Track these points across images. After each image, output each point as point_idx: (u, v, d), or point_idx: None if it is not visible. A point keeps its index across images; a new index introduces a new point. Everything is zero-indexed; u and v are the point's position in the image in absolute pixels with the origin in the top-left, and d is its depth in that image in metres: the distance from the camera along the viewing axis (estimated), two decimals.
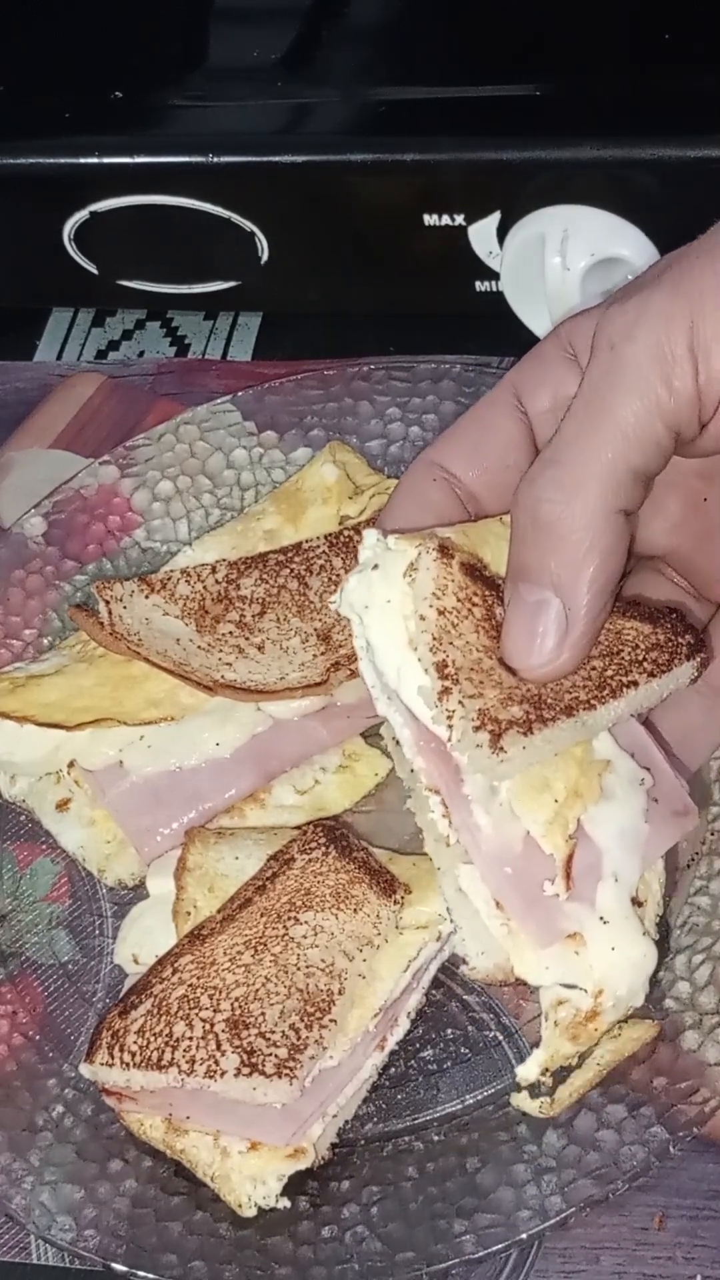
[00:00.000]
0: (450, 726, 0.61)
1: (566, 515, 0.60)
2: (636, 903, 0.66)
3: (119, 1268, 0.69)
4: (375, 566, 0.64)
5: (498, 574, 0.65)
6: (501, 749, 0.60)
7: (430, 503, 0.66)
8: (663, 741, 0.69)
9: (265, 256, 0.97)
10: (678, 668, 0.65)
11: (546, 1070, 0.68)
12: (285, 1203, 0.69)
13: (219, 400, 0.95)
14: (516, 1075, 0.69)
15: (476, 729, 0.60)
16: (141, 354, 1.05)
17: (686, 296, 0.58)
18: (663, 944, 0.76)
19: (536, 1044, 0.74)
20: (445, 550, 0.64)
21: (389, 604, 0.64)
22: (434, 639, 0.62)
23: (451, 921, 0.68)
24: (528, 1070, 0.68)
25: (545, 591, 0.61)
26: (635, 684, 0.64)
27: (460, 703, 0.61)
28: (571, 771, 0.64)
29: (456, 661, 0.62)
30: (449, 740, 0.62)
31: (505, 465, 0.66)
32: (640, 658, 0.64)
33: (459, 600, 0.63)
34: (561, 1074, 0.71)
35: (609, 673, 0.64)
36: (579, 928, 0.65)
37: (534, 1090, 0.72)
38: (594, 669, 0.63)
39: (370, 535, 0.65)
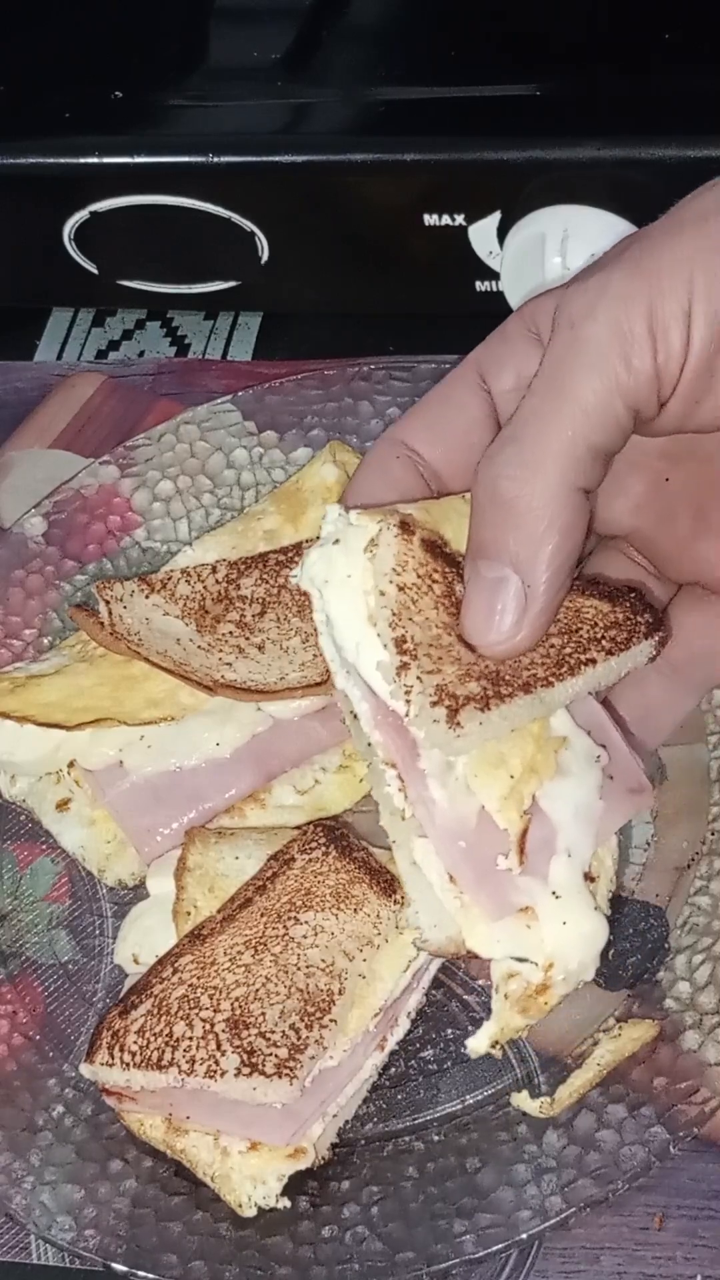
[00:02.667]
0: (408, 701, 0.61)
1: (526, 493, 0.60)
2: (589, 878, 0.66)
3: (119, 1268, 0.69)
4: (336, 541, 0.64)
5: (459, 551, 0.64)
6: (458, 724, 0.60)
7: (394, 479, 0.66)
8: (620, 719, 0.69)
9: (265, 256, 0.97)
10: (636, 646, 0.65)
11: (496, 1043, 0.67)
12: (285, 1203, 0.69)
13: (219, 400, 0.95)
14: (466, 1047, 0.68)
15: (434, 704, 0.60)
16: (141, 354, 1.05)
17: (646, 276, 0.58)
18: (662, 944, 0.76)
19: (536, 1044, 0.74)
20: (406, 527, 0.64)
21: (349, 579, 0.64)
22: (393, 614, 0.62)
23: (406, 894, 0.68)
24: (478, 1042, 0.68)
25: (504, 569, 0.61)
26: (593, 662, 0.64)
27: (418, 678, 0.61)
28: (528, 748, 0.64)
29: (415, 637, 0.62)
30: (406, 715, 0.61)
31: (468, 443, 0.65)
32: (599, 636, 0.65)
33: (419, 577, 0.63)
34: (560, 1073, 0.71)
35: (567, 650, 0.64)
36: (531, 902, 0.65)
37: (534, 1090, 0.72)
38: (552, 646, 0.64)
39: (332, 510, 0.65)
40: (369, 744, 0.66)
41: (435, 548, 0.64)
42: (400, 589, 0.63)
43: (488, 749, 0.63)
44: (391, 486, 0.66)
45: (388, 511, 0.64)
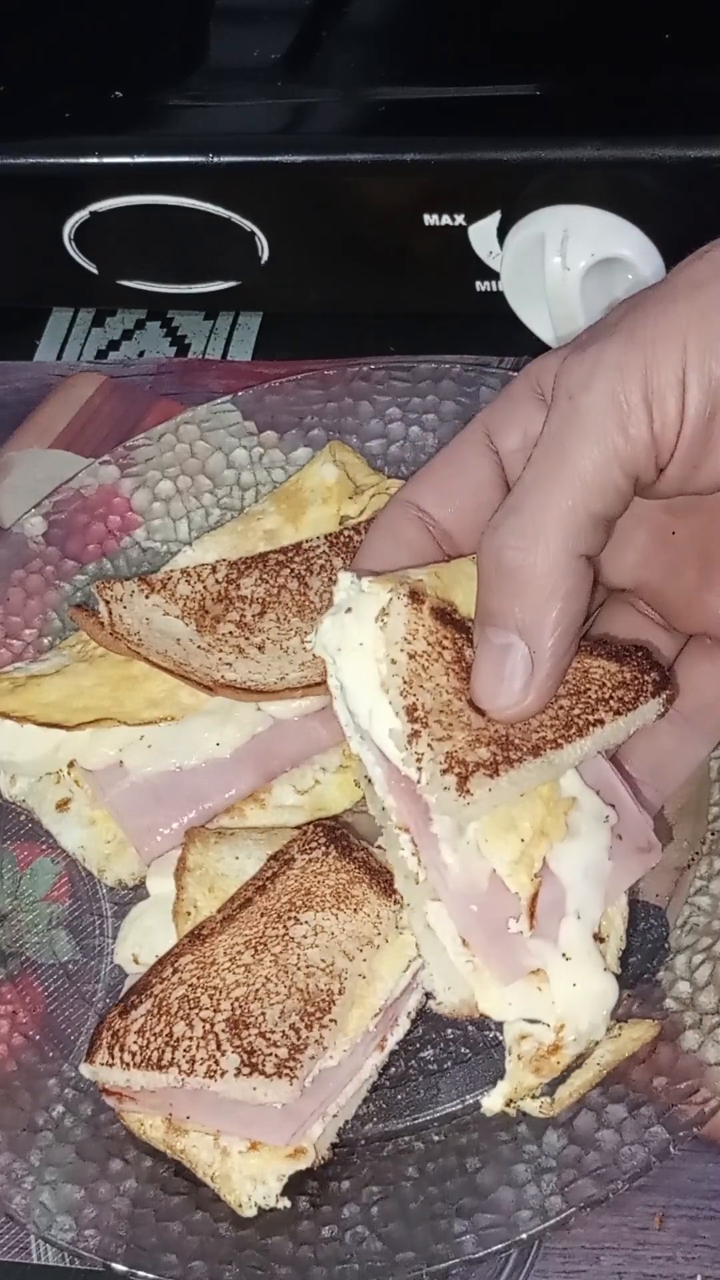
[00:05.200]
0: (419, 769, 0.62)
1: (529, 562, 0.61)
2: (599, 939, 0.67)
3: (119, 1268, 0.69)
4: (349, 610, 0.65)
5: (468, 616, 0.66)
6: (468, 791, 0.61)
7: (405, 541, 0.67)
8: (628, 776, 0.70)
9: (265, 256, 0.97)
10: (644, 705, 0.66)
11: (511, 1101, 0.68)
12: (285, 1203, 0.69)
13: (219, 400, 0.95)
14: (482, 1107, 0.69)
15: (444, 772, 0.61)
16: (141, 354, 1.05)
17: (641, 346, 0.59)
18: (662, 944, 0.76)
19: None
20: (416, 596, 0.65)
21: (361, 647, 0.65)
22: (404, 682, 0.63)
23: (420, 956, 0.69)
24: (493, 1102, 0.69)
25: (511, 635, 0.62)
26: (602, 722, 0.65)
27: (429, 745, 0.62)
28: (538, 810, 0.65)
29: (426, 705, 0.63)
30: (418, 782, 0.62)
31: (478, 503, 0.67)
32: (606, 696, 0.65)
33: (429, 644, 0.64)
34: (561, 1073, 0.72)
35: (576, 711, 0.64)
36: (542, 964, 0.66)
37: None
38: (561, 708, 0.64)
39: (345, 578, 0.66)
40: (383, 808, 0.67)
41: (445, 615, 0.65)
42: (411, 656, 0.64)
43: (498, 813, 0.64)
44: (403, 548, 0.67)
45: (398, 579, 0.65)
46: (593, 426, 0.60)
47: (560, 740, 0.63)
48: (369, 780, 0.67)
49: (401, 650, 0.64)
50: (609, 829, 0.67)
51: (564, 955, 0.66)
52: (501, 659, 0.62)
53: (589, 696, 0.65)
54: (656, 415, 0.59)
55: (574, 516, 0.60)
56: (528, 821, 0.64)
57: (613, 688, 0.66)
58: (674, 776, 0.72)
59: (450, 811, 0.61)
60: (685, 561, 0.68)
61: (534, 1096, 0.71)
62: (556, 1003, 0.66)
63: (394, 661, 0.64)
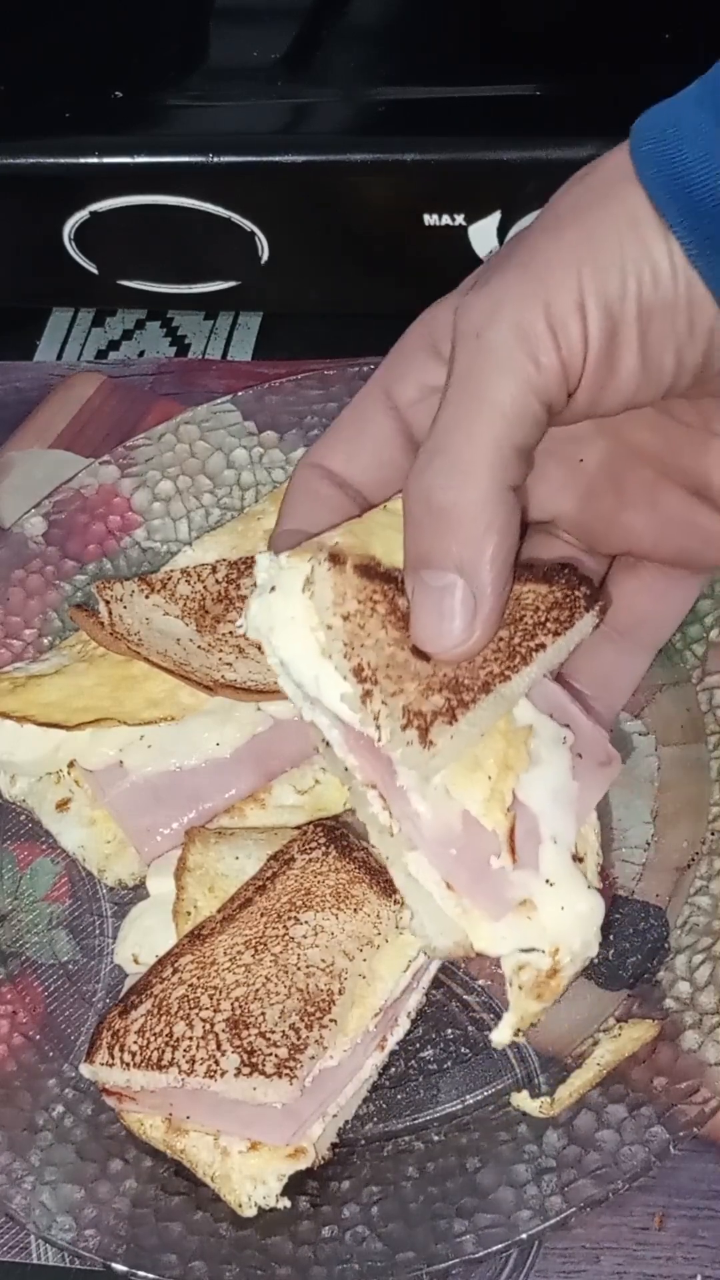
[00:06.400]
0: (379, 727, 0.62)
1: (461, 499, 0.61)
2: (577, 859, 0.67)
3: (119, 1268, 0.69)
4: (273, 589, 0.65)
5: (393, 566, 0.65)
6: (431, 743, 0.61)
7: (321, 500, 0.67)
8: (578, 693, 0.70)
9: (265, 256, 0.97)
10: (580, 620, 0.66)
11: (519, 1031, 0.68)
12: (285, 1203, 0.69)
13: (219, 400, 0.95)
14: (491, 1040, 0.69)
15: (404, 727, 0.61)
16: (141, 354, 1.05)
17: (537, 277, 0.60)
18: (662, 944, 0.76)
19: (536, 1044, 0.74)
20: (337, 558, 0.65)
21: (293, 620, 0.65)
22: (345, 645, 0.63)
23: (407, 907, 0.69)
24: (501, 1034, 0.68)
25: (449, 575, 0.62)
26: (543, 646, 0.65)
27: (383, 702, 0.62)
28: (499, 745, 0.65)
29: (371, 662, 0.63)
30: (379, 741, 0.62)
31: (382, 459, 0.67)
32: (543, 619, 0.66)
33: (360, 603, 0.64)
34: (560, 1073, 0.71)
35: (516, 640, 0.65)
36: (528, 894, 0.66)
37: (534, 1090, 0.72)
38: (502, 640, 0.64)
39: (262, 559, 0.66)
40: (345, 769, 0.66)
41: (370, 570, 0.65)
42: (345, 618, 0.64)
43: (462, 755, 0.64)
44: (321, 504, 0.67)
45: (315, 547, 0.65)
46: (504, 359, 0.60)
47: (507, 671, 0.63)
48: (327, 744, 0.67)
49: (334, 614, 0.64)
50: (568, 750, 0.67)
51: (547, 881, 0.66)
52: (440, 600, 0.62)
53: (526, 623, 0.65)
54: (562, 342, 0.59)
55: (499, 449, 0.61)
56: (491, 758, 0.64)
57: (547, 609, 0.66)
58: (621, 691, 0.73)
59: (417, 765, 0.62)
60: (598, 486, 0.68)
61: (534, 1096, 0.71)
62: (548, 928, 0.66)
63: (330, 628, 0.64)
